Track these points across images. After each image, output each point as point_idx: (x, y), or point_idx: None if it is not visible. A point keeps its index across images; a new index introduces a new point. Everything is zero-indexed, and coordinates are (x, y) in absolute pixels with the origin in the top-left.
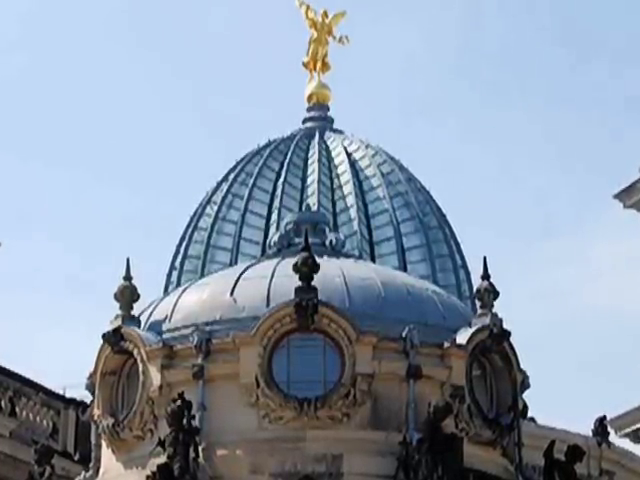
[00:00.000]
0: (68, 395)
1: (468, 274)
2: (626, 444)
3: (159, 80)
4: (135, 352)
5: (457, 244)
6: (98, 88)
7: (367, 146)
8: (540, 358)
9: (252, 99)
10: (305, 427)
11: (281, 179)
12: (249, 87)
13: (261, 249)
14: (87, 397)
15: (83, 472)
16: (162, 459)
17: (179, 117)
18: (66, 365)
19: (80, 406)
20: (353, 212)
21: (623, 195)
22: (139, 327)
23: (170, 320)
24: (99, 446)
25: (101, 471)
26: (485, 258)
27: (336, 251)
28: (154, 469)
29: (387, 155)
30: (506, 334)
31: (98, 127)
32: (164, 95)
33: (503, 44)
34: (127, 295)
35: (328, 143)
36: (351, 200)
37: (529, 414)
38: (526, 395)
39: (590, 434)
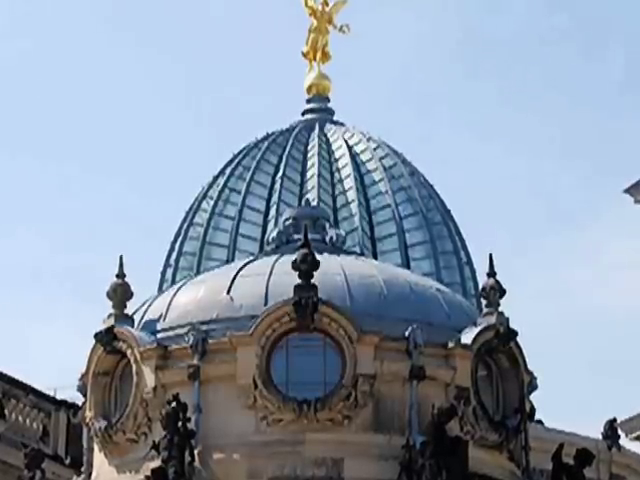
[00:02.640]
0: (59, 397)
1: (473, 271)
2: (637, 447)
3: (153, 70)
4: (128, 352)
5: (462, 240)
6: (90, 79)
7: (369, 139)
8: (548, 358)
9: (250, 90)
10: (305, 430)
11: (280, 173)
12: (246, 78)
13: (259, 246)
14: (79, 399)
15: (75, 476)
16: (156, 463)
17: (174, 109)
18: (57, 365)
19: (71, 408)
20: (354, 207)
21: (634, 190)
22: (133, 326)
23: (165, 319)
24: (91, 450)
25: (93, 475)
26: (491, 255)
27: (337, 248)
28: (148, 473)
29: (389, 148)
30: (513, 334)
31: (90, 119)
32: (158, 86)
33: (509, 34)
34: (120, 293)
35: (328, 136)
36: (352, 195)
37: (536, 416)
38: (533, 397)
39: (600, 437)
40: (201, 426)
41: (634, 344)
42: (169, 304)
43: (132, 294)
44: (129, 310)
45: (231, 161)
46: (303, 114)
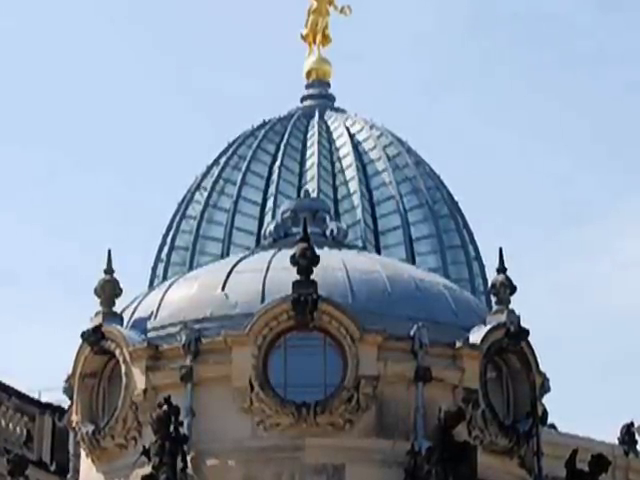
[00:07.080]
0: (44, 399)
1: (482, 267)
2: None
3: (145, 55)
4: (117, 352)
5: (470, 234)
6: (79, 65)
7: (371, 126)
8: (561, 359)
9: (246, 75)
10: (304, 435)
11: (277, 163)
12: (242, 62)
13: (255, 239)
14: (64, 402)
15: None
16: (147, 470)
17: (166, 95)
18: (42, 366)
19: (57, 411)
20: (356, 199)
21: None
22: (122, 325)
23: (156, 317)
24: (78, 455)
25: None
26: (501, 249)
27: (337, 242)
28: None
29: (393, 136)
30: (524, 333)
31: (78, 107)
32: (150, 71)
33: (518, 17)
34: (109, 290)
35: (329, 123)
36: (354, 186)
37: (549, 420)
38: (546, 400)
39: (616, 442)
40: (194, 431)
41: None
42: (160, 301)
43: (121, 291)
44: (118, 308)
45: (226, 150)
46: (302, 100)
